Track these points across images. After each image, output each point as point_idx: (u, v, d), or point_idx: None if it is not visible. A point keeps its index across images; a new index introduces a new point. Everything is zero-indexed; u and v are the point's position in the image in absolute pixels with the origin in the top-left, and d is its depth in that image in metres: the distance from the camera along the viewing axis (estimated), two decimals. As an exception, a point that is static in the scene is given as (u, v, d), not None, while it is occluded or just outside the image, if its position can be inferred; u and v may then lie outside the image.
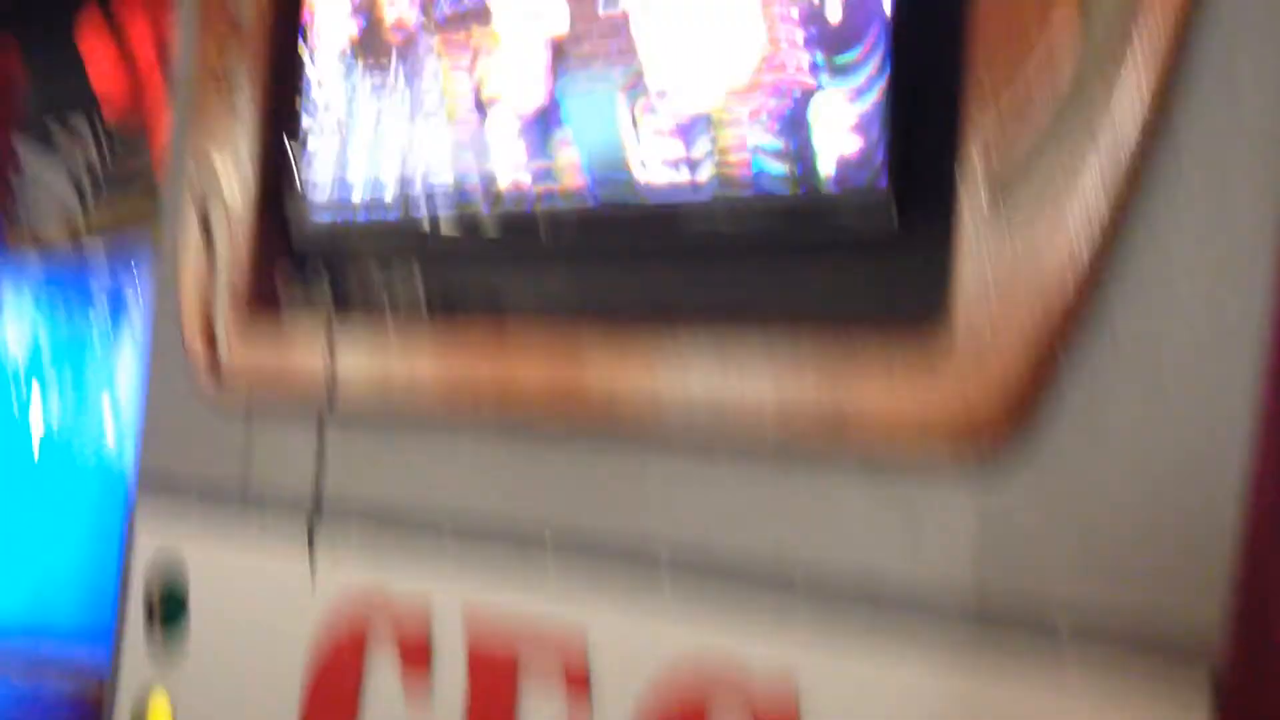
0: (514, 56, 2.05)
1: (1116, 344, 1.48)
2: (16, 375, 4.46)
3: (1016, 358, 1.50)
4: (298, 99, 2.37)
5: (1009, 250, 1.51)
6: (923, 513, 1.59)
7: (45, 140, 4.60)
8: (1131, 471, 1.46)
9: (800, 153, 1.72)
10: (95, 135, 4.54)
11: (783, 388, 1.67)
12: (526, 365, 1.96)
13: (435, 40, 2.17)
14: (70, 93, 4.61)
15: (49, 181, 4.47)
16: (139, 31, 4.46)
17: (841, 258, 1.78)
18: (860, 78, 1.67)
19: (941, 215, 1.60)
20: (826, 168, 1.70)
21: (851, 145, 1.68)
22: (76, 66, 4.55)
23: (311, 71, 2.34)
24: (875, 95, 1.65)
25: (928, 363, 1.57)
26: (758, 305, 1.85)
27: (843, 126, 1.69)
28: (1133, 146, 1.45)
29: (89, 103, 4.55)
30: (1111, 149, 1.45)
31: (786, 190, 1.74)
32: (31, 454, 4.38)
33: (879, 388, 1.60)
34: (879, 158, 1.65)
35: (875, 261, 1.74)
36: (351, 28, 2.30)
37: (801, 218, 1.74)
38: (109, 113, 4.54)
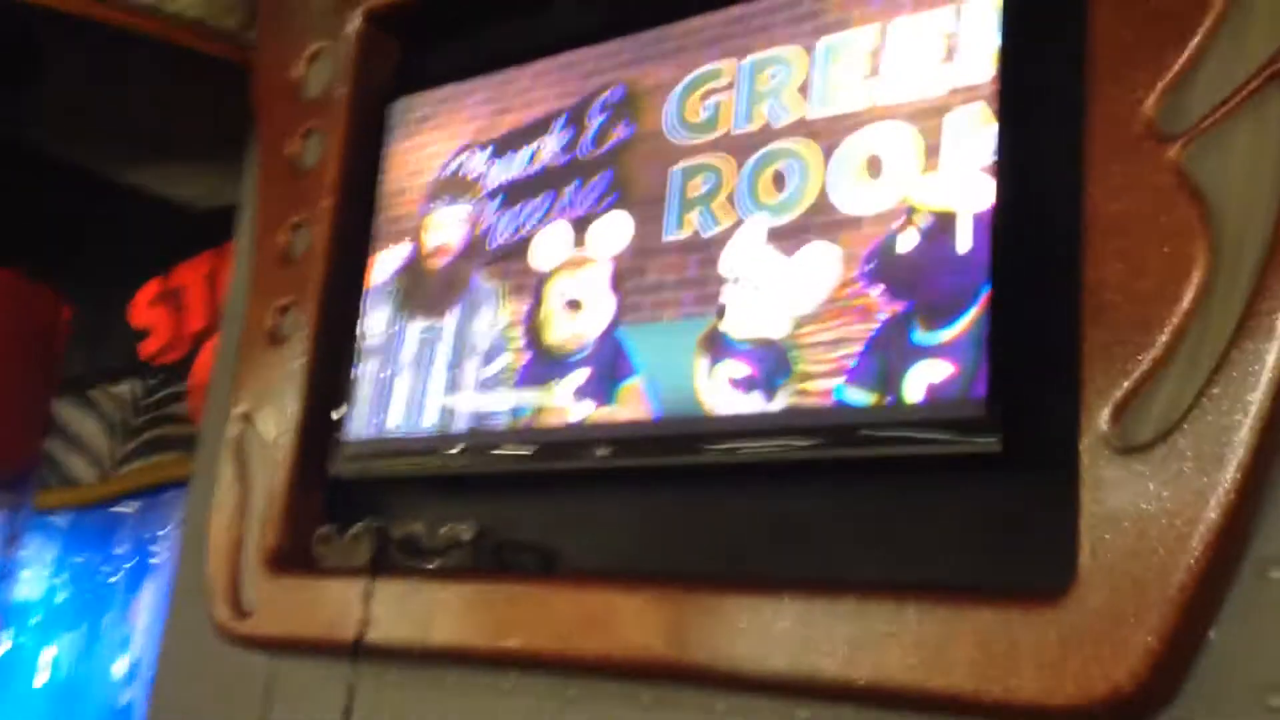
0: (572, 286, 1.97)
1: (1270, 583, 1.29)
2: (35, 627, 4.26)
3: (1156, 614, 1.29)
4: (347, 353, 2.28)
5: (1137, 483, 1.34)
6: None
7: (85, 402, 4.58)
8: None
9: (886, 380, 1.58)
10: (136, 398, 4.52)
11: (880, 662, 1.44)
12: (581, 625, 1.75)
13: (486, 271, 2.10)
14: (117, 359, 4.64)
15: (84, 440, 4.41)
16: (194, 300, 4.51)
17: (942, 489, 1.60)
18: (952, 302, 1.55)
19: (1053, 443, 1.44)
20: (915, 394, 1.56)
21: (943, 371, 1.54)
22: (126, 334, 4.58)
23: (363, 325, 2.26)
24: (971, 318, 1.53)
25: (1053, 630, 1.34)
26: (847, 551, 1.65)
27: (934, 352, 1.55)
28: (1274, 365, 1.30)
29: (134, 369, 4.56)
30: (1249, 368, 1.30)
31: (872, 417, 1.59)
32: (42, 706, 4.13)
33: (995, 665, 1.36)
34: (978, 383, 1.51)
35: (977, 495, 1.56)
36: (398, 258, 2.24)
37: (891, 442, 1.58)
38: (153, 376, 4.55)
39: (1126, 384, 1.36)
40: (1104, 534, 1.35)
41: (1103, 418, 1.37)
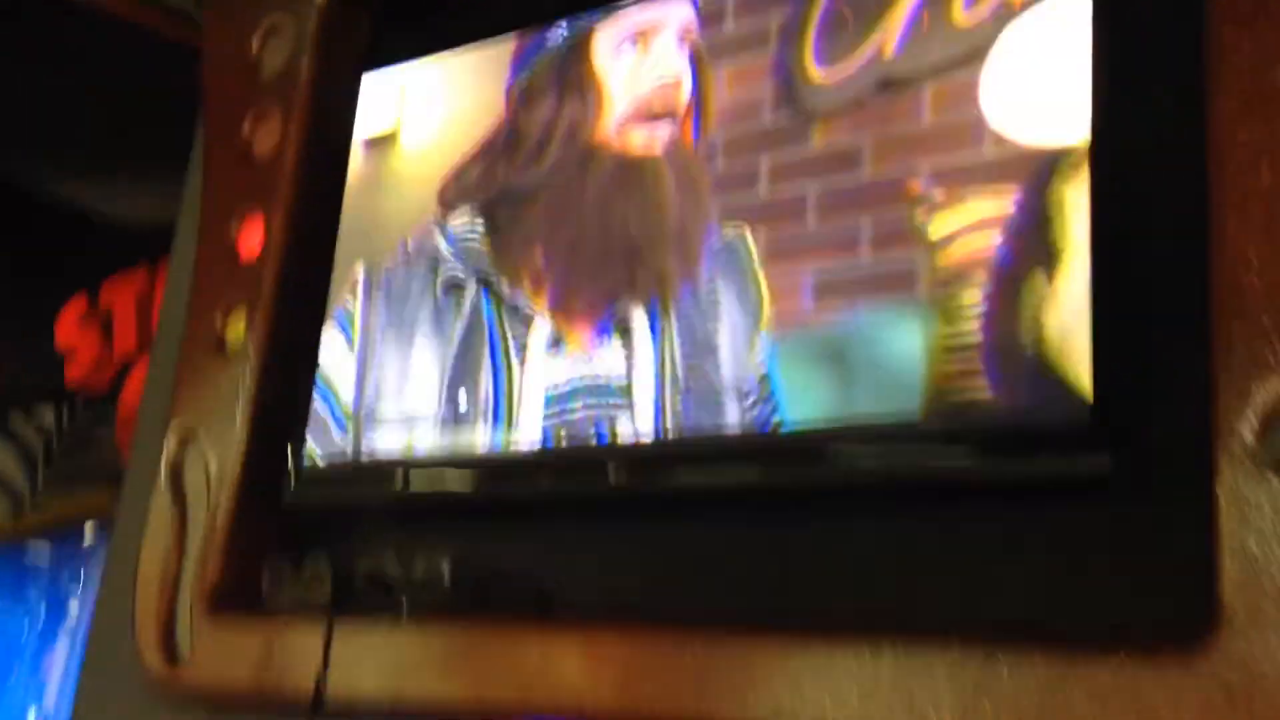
0: (574, 276, 1.72)
1: None
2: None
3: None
4: (306, 363, 2.01)
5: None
6: None
7: (1, 430, 4.27)
8: None
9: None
10: (58, 425, 4.23)
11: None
12: (585, 678, 1.51)
13: (480, 270, 1.84)
14: (39, 382, 4.36)
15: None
16: (125, 320, 4.23)
17: (1039, 515, 1.35)
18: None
19: (1175, 459, 1.21)
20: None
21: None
22: (49, 357, 4.30)
23: (326, 330, 1.99)
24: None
25: (1193, 686, 1.12)
26: (913, 593, 1.40)
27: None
28: None
29: (58, 393, 4.28)
30: None
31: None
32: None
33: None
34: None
35: (1084, 522, 1.31)
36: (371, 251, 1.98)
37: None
38: (78, 401, 4.26)
39: (1277, 386, 1.14)
40: (1253, 567, 1.12)
41: (1245, 428, 1.15)
